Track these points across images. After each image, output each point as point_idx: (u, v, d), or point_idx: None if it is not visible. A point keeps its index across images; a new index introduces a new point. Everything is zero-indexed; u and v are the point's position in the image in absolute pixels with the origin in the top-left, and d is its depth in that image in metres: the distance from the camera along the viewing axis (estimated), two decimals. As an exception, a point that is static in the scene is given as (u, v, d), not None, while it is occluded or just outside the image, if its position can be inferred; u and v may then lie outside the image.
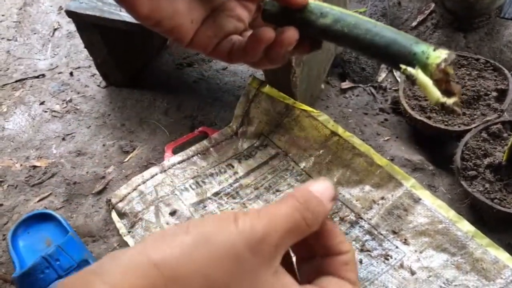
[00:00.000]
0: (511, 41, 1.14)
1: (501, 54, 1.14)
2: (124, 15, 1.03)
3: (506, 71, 1.02)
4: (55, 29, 1.45)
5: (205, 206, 0.97)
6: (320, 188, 0.34)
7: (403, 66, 0.37)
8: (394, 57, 0.38)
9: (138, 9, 0.38)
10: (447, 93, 0.37)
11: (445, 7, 1.15)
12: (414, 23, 1.26)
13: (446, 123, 0.99)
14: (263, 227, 0.29)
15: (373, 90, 1.18)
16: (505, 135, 0.94)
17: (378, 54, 0.39)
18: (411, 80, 0.37)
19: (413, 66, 0.37)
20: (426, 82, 0.36)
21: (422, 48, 0.37)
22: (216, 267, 0.27)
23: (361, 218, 0.91)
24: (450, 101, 0.37)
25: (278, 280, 0.29)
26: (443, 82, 0.36)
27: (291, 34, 0.41)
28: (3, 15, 1.50)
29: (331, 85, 1.20)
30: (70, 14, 1.08)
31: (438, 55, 0.37)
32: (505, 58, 1.13)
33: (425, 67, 0.37)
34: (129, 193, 0.97)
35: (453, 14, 1.17)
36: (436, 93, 0.36)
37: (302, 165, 1.01)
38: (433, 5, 1.24)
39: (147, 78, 1.26)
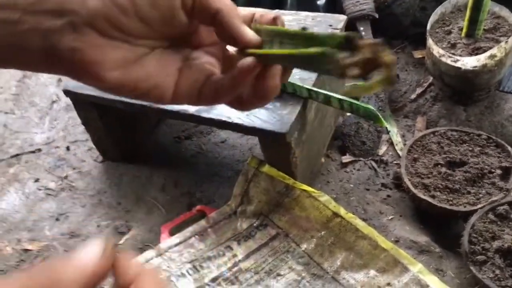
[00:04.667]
0: (511, 115, 1.13)
1: (502, 129, 1.12)
2: (122, 95, 1.02)
3: (509, 148, 1.01)
4: (53, 102, 1.45)
5: (203, 294, 0.92)
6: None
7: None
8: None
9: (108, 80, 0.36)
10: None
11: (444, 81, 1.15)
12: (413, 96, 1.26)
13: (451, 203, 0.97)
14: None
15: (374, 164, 1.16)
16: (512, 216, 0.91)
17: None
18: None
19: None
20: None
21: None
22: None
23: (367, 307, 0.86)
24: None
25: None
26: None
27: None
28: (1, 88, 1.51)
29: (331, 158, 1.18)
30: (68, 93, 1.07)
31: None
32: (507, 132, 1.11)
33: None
34: (123, 280, 0.93)
35: (452, 88, 1.16)
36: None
37: (304, 246, 0.97)
38: (431, 78, 1.24)
39: (145, 152, 1.25)
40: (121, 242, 1.03)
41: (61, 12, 0.35)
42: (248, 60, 0.39)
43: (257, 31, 0.41)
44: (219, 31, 0.39)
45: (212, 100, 0.42)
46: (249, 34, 0.40)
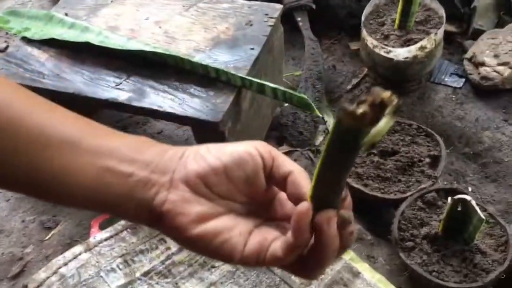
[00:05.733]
0: (441, 106, 1.17)
1: (432, 118, 1.16)
2: (48, 83, 0.97)
3: (438, 137, 1.04)
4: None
5: (133, 288, 0.89)
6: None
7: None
8: None
9: (189, 231, 0.41)
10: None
11: (378, 72, 1.17)
12: (349, 86, 1.27)
13: (382, 191, 0.98)
14: None
15: (311, 155, 1.16)
16: (439, 203, 0.94)
17: None
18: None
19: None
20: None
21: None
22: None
23: (300, 296, 0.86)
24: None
25: None
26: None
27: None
28: None
29: (268, 149, 1.18)
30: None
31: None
32: (436, 122, 1.15)
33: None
34: (48, 277, 0.89)
35: (386, 78, 1.19)
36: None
37: (239, 237, 0.96)
38: (366, 69, 1.26)
39: (76, 144, 1.19)
40: (47, 238, 0.98)
41: (167, 171, 0.41)
42: (302, 203, 0.41)
43: None
44: (290, 192, 0.44)
45: (280, 257, 0.42)
46: None
